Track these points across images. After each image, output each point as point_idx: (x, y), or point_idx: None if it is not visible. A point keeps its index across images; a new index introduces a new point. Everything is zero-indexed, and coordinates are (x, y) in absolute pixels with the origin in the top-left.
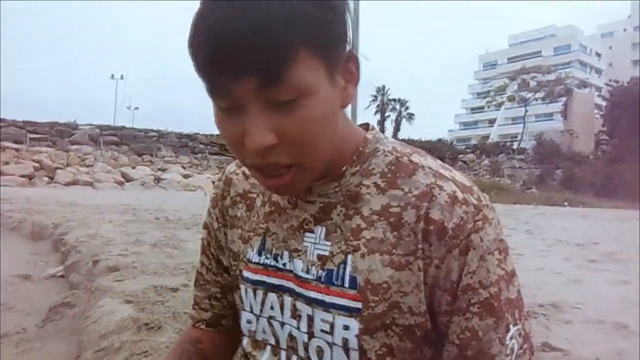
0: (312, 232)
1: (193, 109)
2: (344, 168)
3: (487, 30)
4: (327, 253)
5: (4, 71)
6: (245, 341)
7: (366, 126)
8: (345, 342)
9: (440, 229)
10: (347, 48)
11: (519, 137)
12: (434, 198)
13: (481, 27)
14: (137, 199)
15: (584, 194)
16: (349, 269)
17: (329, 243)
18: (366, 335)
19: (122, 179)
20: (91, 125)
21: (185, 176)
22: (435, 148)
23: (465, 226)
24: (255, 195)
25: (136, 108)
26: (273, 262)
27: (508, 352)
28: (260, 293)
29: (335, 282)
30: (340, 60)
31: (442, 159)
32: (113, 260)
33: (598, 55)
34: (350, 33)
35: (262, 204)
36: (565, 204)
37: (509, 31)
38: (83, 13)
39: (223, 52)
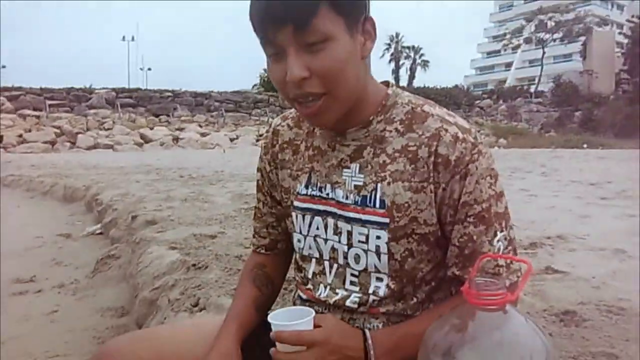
0: (349, 168)
1: (206, 68)
2: (371, 117)
3: None
4: (361, 183)
5: (12, 37)
6: (297, 256)
7: (386, 83)
8: (377, 248)
9: (445, 161)
10: (365, 13)
11: (537, 79)
12: (441, 138)
13: None
14: (158, 159)
15: (604, 136)
16: (379, 194)
17: (362, 175)
18: (393, 242)
19: (141, 141)
20: (106, 88)
21: (203, 134)
22: (451, 95)
23: (464, 158)
24: (299, 142)
25: (149, 69)
26: (318, 193)
27: (495, 250)
28: (308, 217)
29: (369, 205)
30: (358, 20)
31: (458, 106)
32: (150, 215)
33: None
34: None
35: (305, 148)
36: (584, 145)
37: None
38: None
39: (269, 11)
